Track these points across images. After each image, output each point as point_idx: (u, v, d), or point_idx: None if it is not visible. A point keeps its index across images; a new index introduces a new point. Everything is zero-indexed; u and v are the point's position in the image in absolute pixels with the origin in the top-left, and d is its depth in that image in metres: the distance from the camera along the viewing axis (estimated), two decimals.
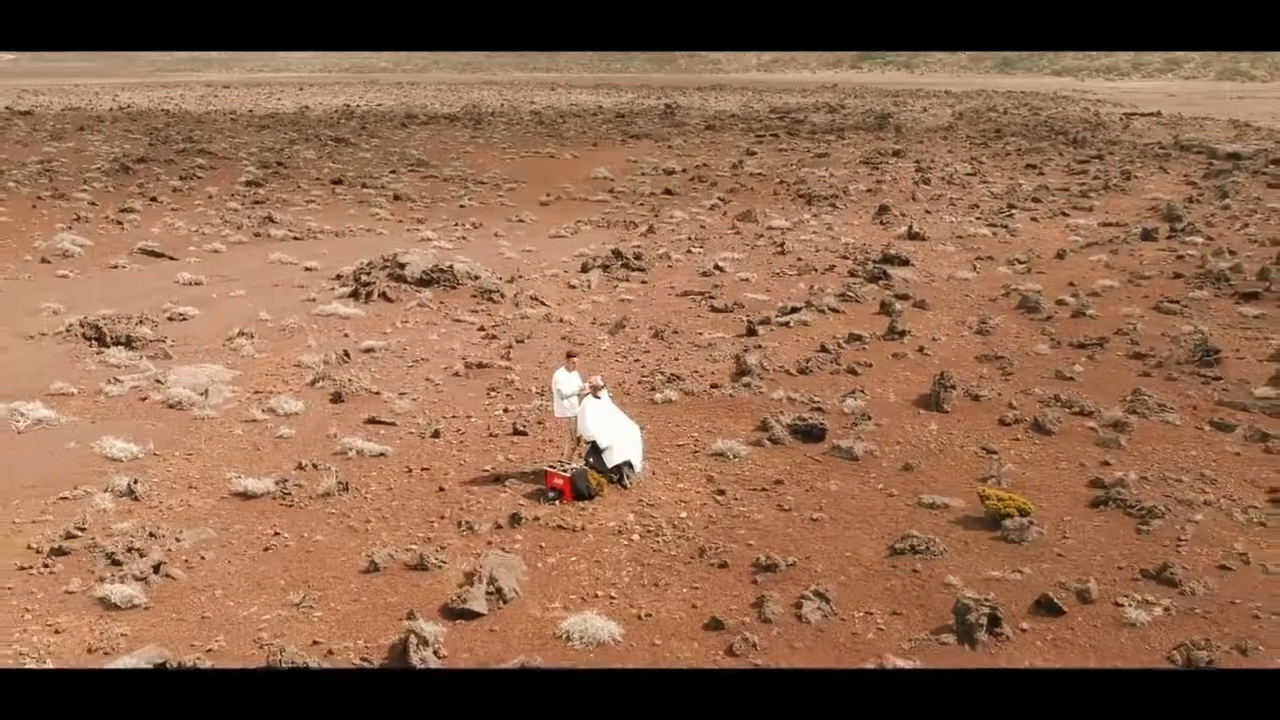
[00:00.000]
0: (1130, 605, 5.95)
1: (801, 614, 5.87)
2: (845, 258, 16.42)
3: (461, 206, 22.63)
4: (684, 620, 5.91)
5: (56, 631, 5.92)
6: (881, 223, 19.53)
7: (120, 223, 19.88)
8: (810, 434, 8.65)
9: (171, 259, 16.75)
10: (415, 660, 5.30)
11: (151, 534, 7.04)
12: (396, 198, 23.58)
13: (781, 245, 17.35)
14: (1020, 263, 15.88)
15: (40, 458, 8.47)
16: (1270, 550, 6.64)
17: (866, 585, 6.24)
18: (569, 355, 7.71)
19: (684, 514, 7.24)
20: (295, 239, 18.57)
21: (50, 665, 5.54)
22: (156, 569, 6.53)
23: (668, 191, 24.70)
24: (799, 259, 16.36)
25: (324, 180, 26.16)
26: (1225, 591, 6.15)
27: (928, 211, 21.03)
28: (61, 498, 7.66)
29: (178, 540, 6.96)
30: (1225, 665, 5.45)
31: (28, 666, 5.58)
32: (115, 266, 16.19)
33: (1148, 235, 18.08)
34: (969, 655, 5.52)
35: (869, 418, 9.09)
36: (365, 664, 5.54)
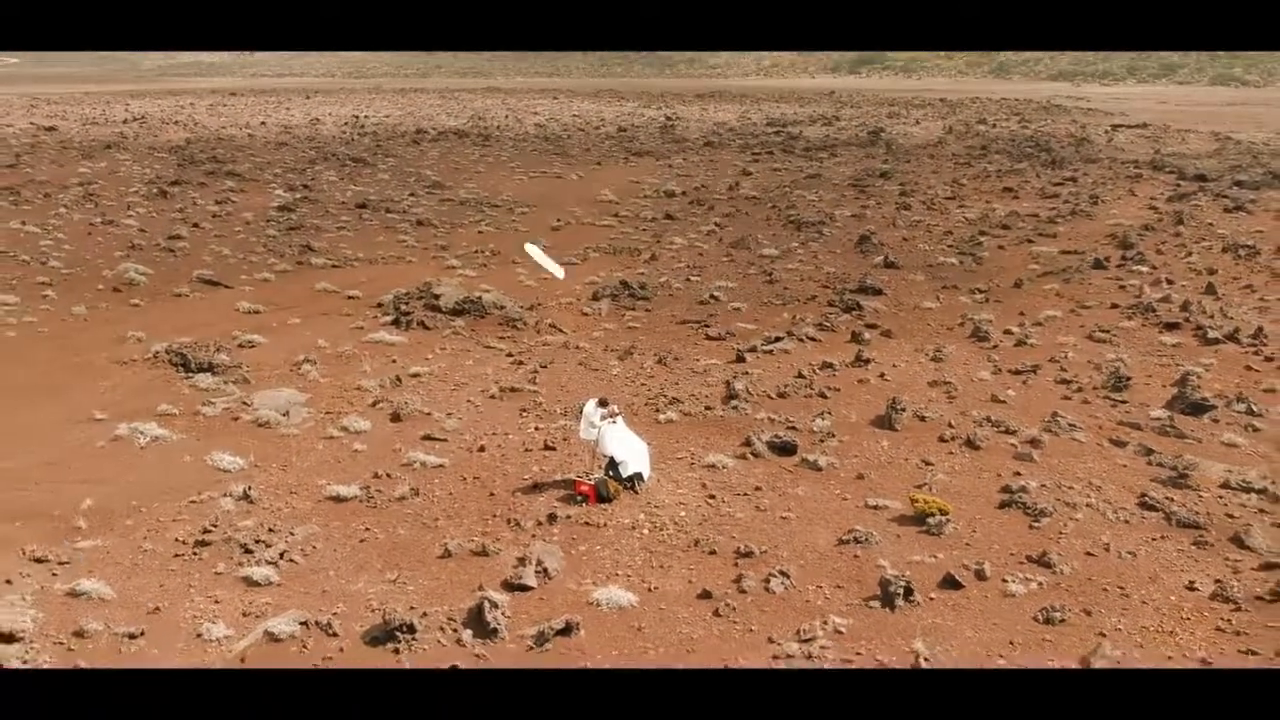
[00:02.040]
0: (1013, 581, 8.01)
1: (769, 587, 7.92)
2: (826, 287, 18.48)
3: (480, 233, 24.63)
4: (683, 592, 7.96)
5: (216, 601, 7.95)
6: (861, 251, 21.56)
7: (172, 250, 21.87)
8: (784, 449, 10.71)
9: (227, 287, 18.77)
10: (489, 619, 7.35)
11: (270, 529, 9.09)
12: (419, 223, 25.56)
13: (770, 275, 19.40)
14: (980, 292, 17.95)
15: (164, 469, 10.51)
16: (1126, 541, 8.70)
17: (819, 567, 8.31)
18: (602, 401, 9.71)
19: (683, 513, 9.30)
20: (334, 267, 20.57)
21: (219, 628, 7.55)
22: (281, 555, 8.58)
23: (668, 216, 26.69)
24: (785, 288, 18.43)
25: (349, 205, 28.14)
26: (1086, 571, 8.21)
27: (905, 239, 23.06)
28: (191, 501, 9.70)
29: (292, 534, 9.00)
30: (1071, 622, 7.48)
31: (201, 626, 7.58)
32: (179, 295, 18.20)
33: (1099, 264, 20.11)
34: (889, 616, 7.56)
35: (833, 435, 11.16)
36: (454, 637, 7.56)
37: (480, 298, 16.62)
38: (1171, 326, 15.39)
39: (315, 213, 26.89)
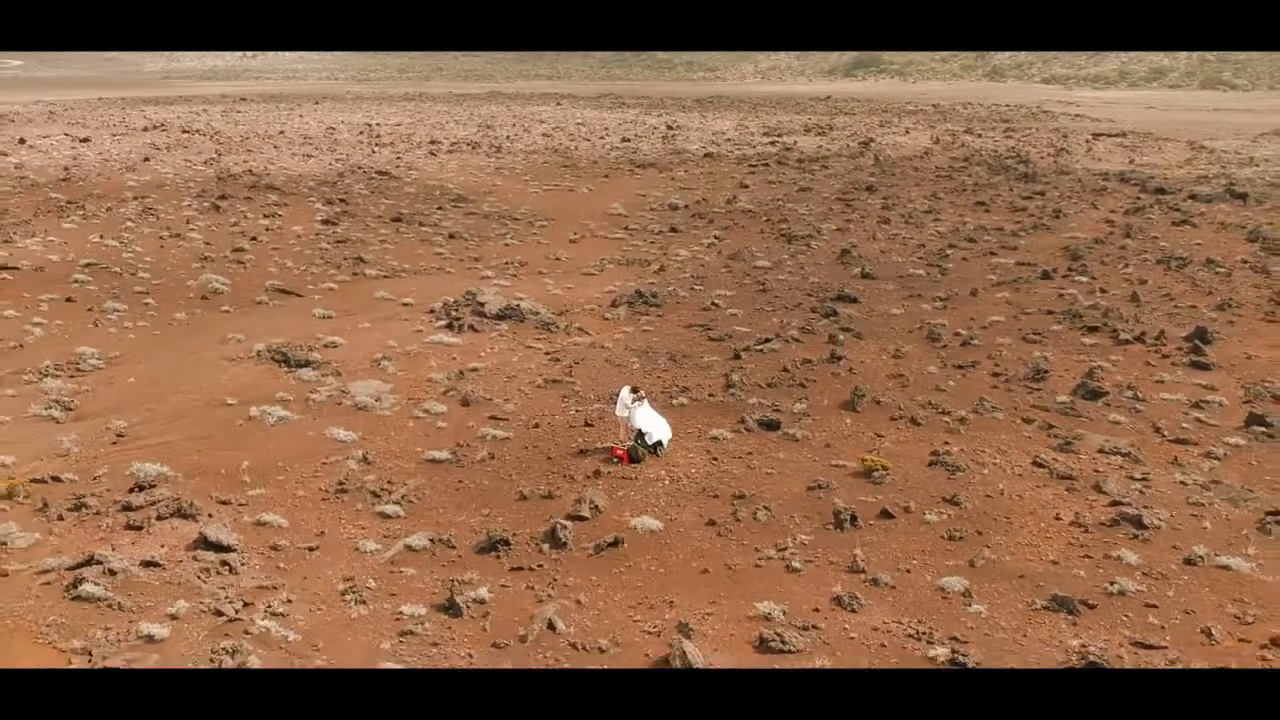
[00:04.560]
0: (930, 513, 11.20)
1: (756, 517, 11.12)
2: (810, 295, 21.68)
3: (506, 245, 27.76)
4: (694, 521, 11.15)
5: (362, 528, 11.10)
6: (843, 263, 24.75)
7: (241, 262, 24.98)
8: (770, 426, 13.91)
9: (299, 296, 21.91)
10: (561, 536, 10.51)
11: (389, 482, 12.24)
12: (451, 236, 28.67)
13: (763, 285, 22.59)
14: (940, 300, 21.14)
15: (293, 441, 13.67)
16: (1017, 488, 11.92)
17: (792, 505, 11.50)
18: (634, 388, 12.87)
19: (693, 470, 12.49)
20: (385, 277, 23.71)
21: (370, 544, 10.68)
22: (402, 498, 11.74)
23: (673, 229, 29.82)
24: (775, 296, 21.63)
25: (385, 218, 31.23)
26: (984, 508, 11.41)
27: (882, 252, 26.24)
28: (323, 463, 12.86)
29: (405, 484, 12.15)
30: (967, 539, 10.64)
31: (356, 542, 10.70)
32: (259, 302, 21.33)
33: (1046, 275, 23.28)
34: (840, 534, 10.74)
35: (808, 415, 14.36)
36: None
37: (519, 305, 19.79)
38: (1093, 329, 18.59)
39: (357, 227, 29.99)
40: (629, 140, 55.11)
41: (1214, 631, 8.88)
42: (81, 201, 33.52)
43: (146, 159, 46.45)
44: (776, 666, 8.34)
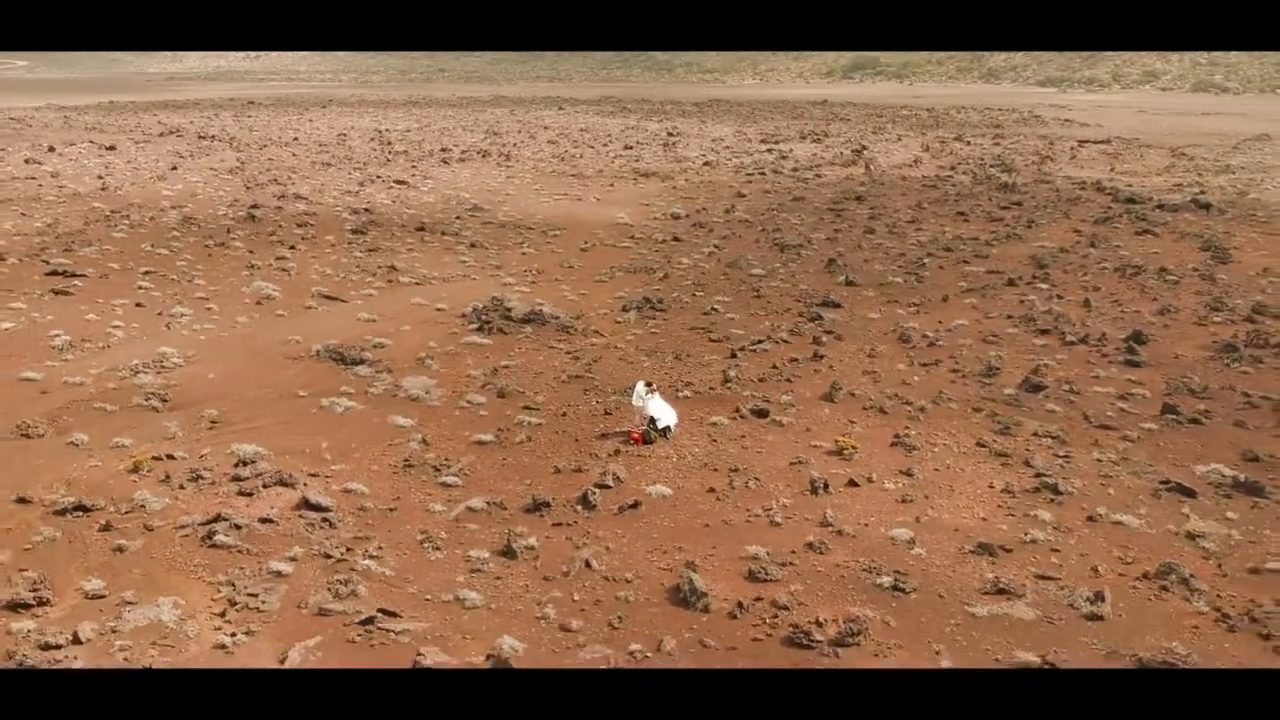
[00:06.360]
0: (888, 483, 13.80)
1: (748, 486, 13.72)
2: (798, 301, 24.29)
3: (524, 254, 30.35)
4: (697, 489, 13.76)
5: (429, 494, 13.70)
6: (829, 272, 27.37)
7: (285, 270, 27.57)
8: (761, 414, 16.51)
9: (343, 301, 24.51)
10: (591, 499, 13.12)
11: (446, 459, 14.84)
12: (473, 245, 31.25)
13: (757, 291, 25.21)
14: (915, 305, 23.76)
15: (361, 427, 16.27)
16: (961, 463, 14.53)
17: (777, 476, 14.12)
18: (648, 382, 15.46)
19: (696, 450, 15.10)
20: (418, 284, 26.30)
21: (438, 506, 13.29)
22: (459, 471, 14.34)
23: (675, 238, 32.41)
24: (768, 302, 24.24)
25: (410, 228, 33.81)
26: (932, 478, 14.03)
27: (866, 261, 28.86)
28: (389, 444, 15.45)
29: (459, 461, 14.76)
30: (916, 502, 13.26)
31: (426, 505, 13.30)
32: (309, 308, 23.92)
33: (1011, 282, 25.87)
34: (814, 498, 13.35)
35: (793, 406, 16.97)
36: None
37: (540, 310, 22.39)
38: (1044, 332, 21.22)
39: (384, 235, 32.58)
40: (631, 148, 57.57)
41: (1100, 568, 11.51)
42: (125, 211, 35.99)
43: (174, 167, 48.74)
44: (761, 593, 10.94)
